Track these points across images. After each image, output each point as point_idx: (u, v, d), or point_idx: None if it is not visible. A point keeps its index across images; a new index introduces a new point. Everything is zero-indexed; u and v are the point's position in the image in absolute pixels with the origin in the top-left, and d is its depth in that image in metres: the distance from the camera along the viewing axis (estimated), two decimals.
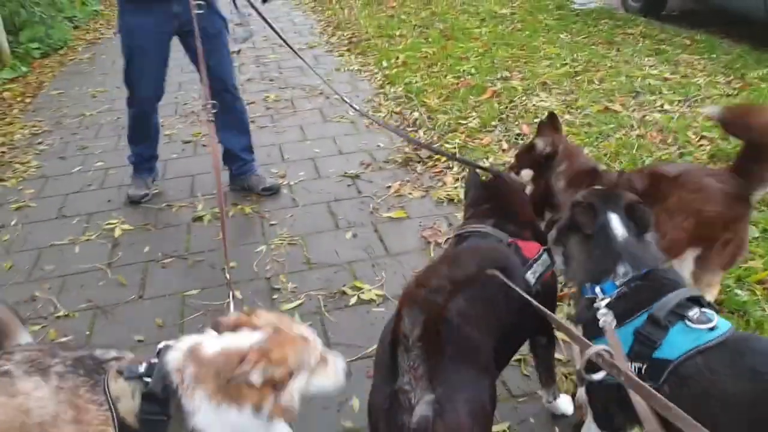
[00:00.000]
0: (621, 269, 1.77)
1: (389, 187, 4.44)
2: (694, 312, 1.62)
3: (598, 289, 1.76)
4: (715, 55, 6.33)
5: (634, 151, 4.38)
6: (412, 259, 3.60)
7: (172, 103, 6.45)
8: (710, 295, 2.56)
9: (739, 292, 3.00)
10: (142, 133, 4.44)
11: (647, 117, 5.01)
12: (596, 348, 1.53)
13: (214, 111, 3.03)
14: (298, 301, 3.31)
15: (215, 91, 3.36)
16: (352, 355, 2.84)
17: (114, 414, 1.72)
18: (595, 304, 1.73)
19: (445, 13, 9.17)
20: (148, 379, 1.72)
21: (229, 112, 4.17)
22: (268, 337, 1.68)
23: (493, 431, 2.42)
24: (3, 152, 5.60)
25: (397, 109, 5.79)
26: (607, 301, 1.72)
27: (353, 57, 7.67)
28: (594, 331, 1.73)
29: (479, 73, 6.38)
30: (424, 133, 5.19)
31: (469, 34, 7.85)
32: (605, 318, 1.68)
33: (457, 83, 6.15)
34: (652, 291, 1.71)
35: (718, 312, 1.68)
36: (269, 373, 1.59)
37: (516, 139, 4.84)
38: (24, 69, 8.07)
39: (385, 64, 7.05)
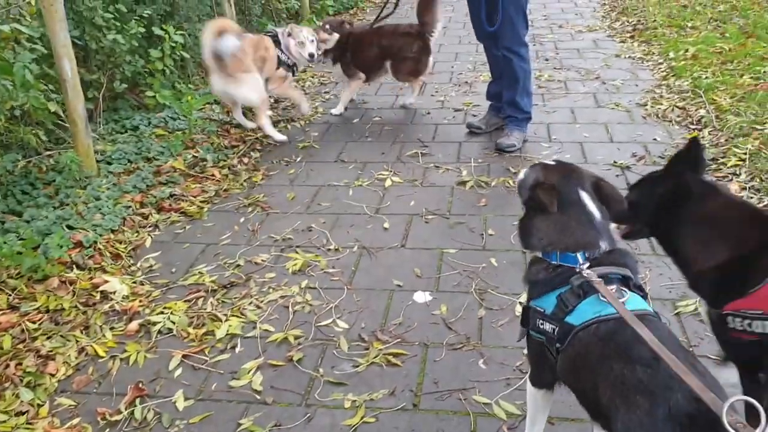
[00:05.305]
0: (603, 245, 1.88)
1: None
2: (611, 288, 1.75)
3: (579, 256, 1.86)
4: None
5: None
6: None
7: (447, 72, 6.67)
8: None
9: None
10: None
11: None
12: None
13: None
14: None
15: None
16: None
17: None
18: (578, 268, 1.82)
19: (747, 8, 8.21)
20: None
21: (505, 67, 4.81)
22: None
23: None
24: None
25: (681, 104, 5.37)
26: (587, 265, 1.83)
27: (636, 44, 7.25)
28: (539, 292, 1.90)
29: None
30: (710, 134, 4.76)
31: None
32: (591, 276, 1.78)
33: (756, 85, 5.52)
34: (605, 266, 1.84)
35: (645, 297, 1.80)
36: None
37: None
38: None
39: (672, 55, 6.56)
